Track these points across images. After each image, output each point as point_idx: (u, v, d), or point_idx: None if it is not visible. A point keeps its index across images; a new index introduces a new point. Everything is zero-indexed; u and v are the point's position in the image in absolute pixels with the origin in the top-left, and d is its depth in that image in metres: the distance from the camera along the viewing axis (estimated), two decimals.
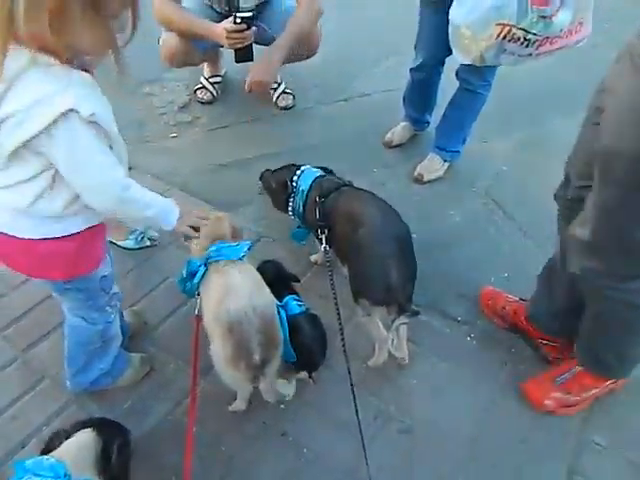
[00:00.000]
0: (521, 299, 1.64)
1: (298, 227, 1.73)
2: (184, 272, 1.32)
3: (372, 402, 1.44)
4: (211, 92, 2.53)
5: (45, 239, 1.03)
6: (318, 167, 1.69)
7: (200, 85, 2.54)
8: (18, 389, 1.43)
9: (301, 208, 1.61)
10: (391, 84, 2.63)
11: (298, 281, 1.54)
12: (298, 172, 1.64)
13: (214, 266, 1.26)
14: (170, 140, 2.34)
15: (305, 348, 1.35)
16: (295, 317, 1.35)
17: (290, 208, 1.65)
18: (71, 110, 0.86)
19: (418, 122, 2.32)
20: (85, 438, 1.07)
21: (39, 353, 1.51)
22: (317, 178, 1.60)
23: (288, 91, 2.57)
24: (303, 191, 1.58)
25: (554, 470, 1.34)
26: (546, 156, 2.38)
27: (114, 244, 1.78)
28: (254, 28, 2.04)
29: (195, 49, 2.22)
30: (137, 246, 1.84)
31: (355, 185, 1.64)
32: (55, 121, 0.86)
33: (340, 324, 1.34)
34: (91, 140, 0.92)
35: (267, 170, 1.80)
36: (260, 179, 1.82)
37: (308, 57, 2.39)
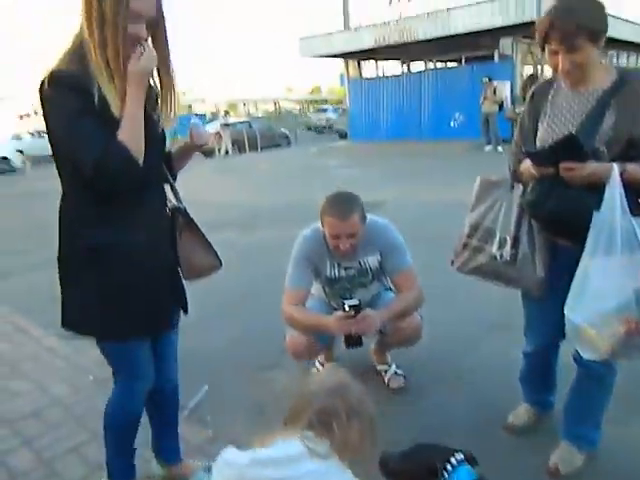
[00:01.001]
0: None
1: None
2: None
3: None
4: None
5: None
6: (466, 455, 1.51)
7: (315, 371, 2.71)
8: None
9: None
10: (503, 360, 2.62)
11: None
12: (453, 461, 1.47)
13: None
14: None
15: None
16: None
17: None
18: None
19: (540, 404, 2.20)
20: None
21: None
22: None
23: (399, 372, 2.64)
24: None
25: None
26: None
27: None
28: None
29: (316, 344, 2.46)
30: None
31: None
32: None
33: None
34: None
35: (386, 453, 1.61)
36: (381, 465, 1.61)
37: (412, 344, 2.53)
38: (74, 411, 2.53)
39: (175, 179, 1.82)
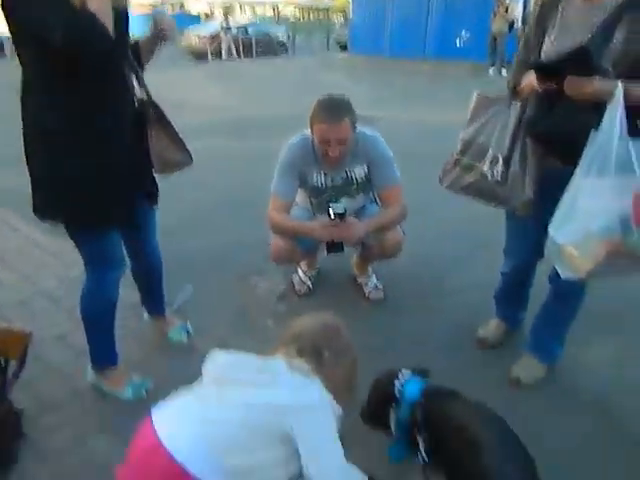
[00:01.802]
0: None
1: (397, 442, 1.59)
2: None
3: None
4: (308, 285, 2.74)
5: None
6: (414, 370, 1.60)
7: (298, 278, 2.77)
8: None
9: (408, 420, 1.50)
10: (484, 279, 2.67)
11: None
12: (400, 378, 1.55)
13: None
14: (266, 331, 2.47)
15: None
16: None
17: (393, 421, 1.54)
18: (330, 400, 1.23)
19: (510, 320, 2.29)
20: None
21: None
22: (424, 388, 1.52)
23: (379, 286, 2.70)
24: (412, 403, 1.49)
25: None
26: None
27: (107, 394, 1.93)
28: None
29: (297, 249, 2.49)
30: (133, 397, 1.91)
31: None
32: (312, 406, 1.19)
33: None
34: (334, 426, 1.22)
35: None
36: (361, 416, 1.69)
37: (393, 257, 2.55)
38: (61, 302, 2.58)
39: (143, 70, 1.78)
